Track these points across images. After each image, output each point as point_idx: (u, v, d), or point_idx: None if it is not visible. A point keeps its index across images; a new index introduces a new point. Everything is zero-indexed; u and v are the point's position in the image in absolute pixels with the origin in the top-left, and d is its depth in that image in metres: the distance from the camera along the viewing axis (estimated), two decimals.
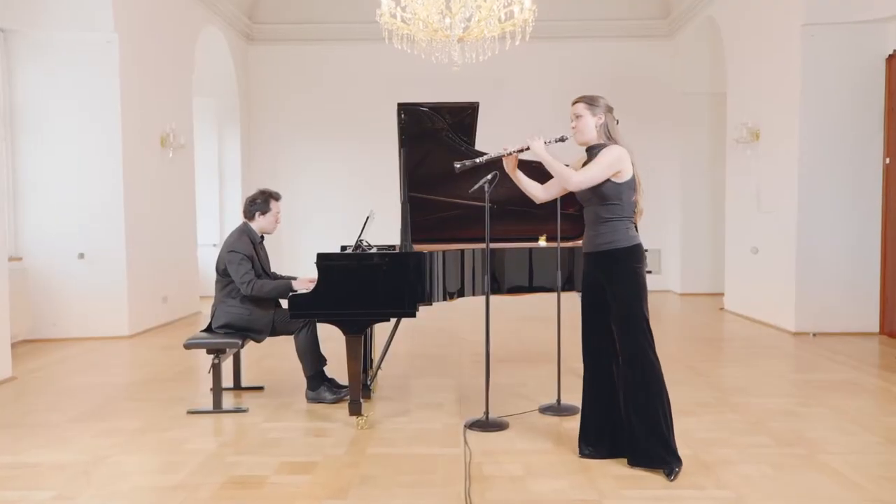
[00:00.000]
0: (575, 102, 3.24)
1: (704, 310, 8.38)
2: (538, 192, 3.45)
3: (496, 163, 3.52)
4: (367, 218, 4.55)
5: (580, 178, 3.12)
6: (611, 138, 3.21)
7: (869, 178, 6.50)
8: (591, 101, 3.20)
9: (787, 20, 6.73)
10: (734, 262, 8.13)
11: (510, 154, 3.42)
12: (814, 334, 6.47)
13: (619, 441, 3.26)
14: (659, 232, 9.80)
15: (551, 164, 3.20)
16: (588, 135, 3.21)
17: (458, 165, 3.54)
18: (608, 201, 3.14)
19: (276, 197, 4.50)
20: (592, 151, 3.22)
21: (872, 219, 6.52)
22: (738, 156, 7.89)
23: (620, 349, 3.16)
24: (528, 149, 3.30)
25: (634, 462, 3.15)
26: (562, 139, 3.30)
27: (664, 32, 10.07)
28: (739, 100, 7.94)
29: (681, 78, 9.75)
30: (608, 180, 3.11)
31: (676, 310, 8.64)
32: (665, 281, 10.17)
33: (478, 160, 3.54)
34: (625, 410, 3.17)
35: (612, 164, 3.10)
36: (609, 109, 3.22)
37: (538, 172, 3.45)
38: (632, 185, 3.16)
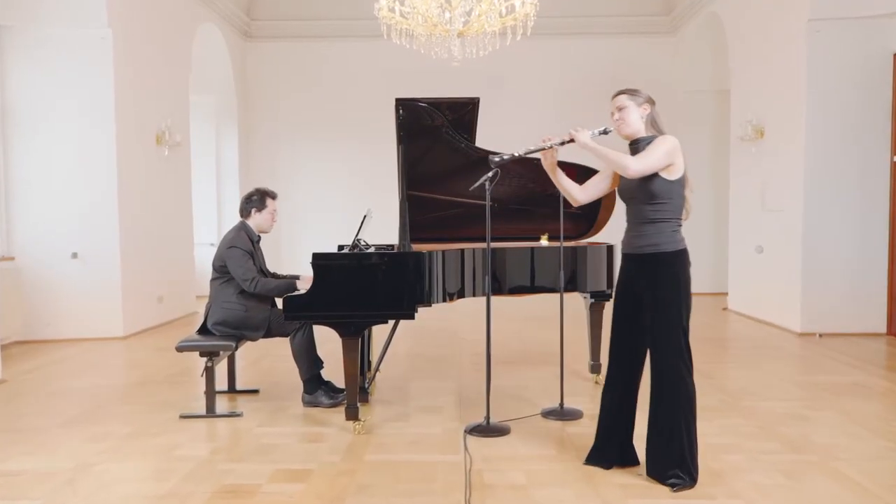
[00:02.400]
0: (615, 96, 3.00)
1: (708, 310, 8.27)
2: (577, 193, 3.15)
3: (533, 156, 3.18)
4: (365, 216, 4.43)
5: (639, 166, 2.81)
6: (661, 131, 2.97)
7: (875, 176, 6.40)
8: (632, 92, 2.98)
9: (792, 15, 6.63)
10: (738, 261, 8.02)
11: (552, 147, 3.07)
12: (820, 335, 6.37)
13: (629, 450, 3.14)
14: None
15: (602, 153, 2.87)
16: (634, 126, 2.95)
17: (498, 160, 3.28)
18: (656, 200, 2.88)
19: (273, 195, 4.43)
20: (639, 145, 2.95)
21: (879, 217, 6.41)
22: (742, 154, 7.78)
23: (652, 360, 2.97)
24: (571, 141, 2.99)
25: (650, 473, 3.00)
26: (605, 132, 3.00)
27: (666, 29, 9.96)
28: (743, 97, 7.83)
29: (683, 75, 9.63)
30: (658, 176, 2.85)
31: None
32: None
33: (516, 153, 3.23)
34: (649, 422, 3.00)
35: (669, 153, 2.83)
36: (651, 101, 2.99)
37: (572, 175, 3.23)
38: (683, 182, 2.91)
